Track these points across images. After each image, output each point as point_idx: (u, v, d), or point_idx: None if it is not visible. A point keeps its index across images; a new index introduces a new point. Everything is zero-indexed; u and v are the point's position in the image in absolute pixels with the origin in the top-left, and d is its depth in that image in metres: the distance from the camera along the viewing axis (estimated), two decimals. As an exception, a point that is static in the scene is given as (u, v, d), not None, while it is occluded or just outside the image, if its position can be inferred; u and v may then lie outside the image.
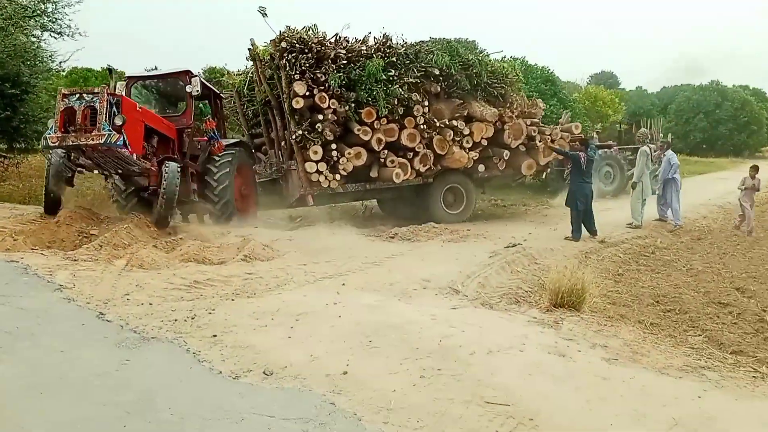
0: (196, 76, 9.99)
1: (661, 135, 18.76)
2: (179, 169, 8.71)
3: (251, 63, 11.52)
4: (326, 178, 10.54)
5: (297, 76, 10.27)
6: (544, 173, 14.56)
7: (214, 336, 4.58)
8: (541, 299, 6.34)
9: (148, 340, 4.44)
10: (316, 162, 10.43)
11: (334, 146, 10.51)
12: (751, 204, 12.13)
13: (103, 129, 7.88)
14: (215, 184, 9.73)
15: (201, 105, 11.40)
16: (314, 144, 10.30)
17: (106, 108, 7.94)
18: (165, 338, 4.50)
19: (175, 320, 4.89)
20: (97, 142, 7.81)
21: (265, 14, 10.66)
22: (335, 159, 10.52)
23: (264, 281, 6.50)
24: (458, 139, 11.64)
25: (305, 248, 8.84)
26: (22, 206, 10.29)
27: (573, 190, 10.49)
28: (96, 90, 8.13)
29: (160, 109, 10.44)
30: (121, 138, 7.95)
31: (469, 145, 11.75)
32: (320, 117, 10.39)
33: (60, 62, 15.41)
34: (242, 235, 9.31)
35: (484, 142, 11.95)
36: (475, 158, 11.87)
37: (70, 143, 7.92)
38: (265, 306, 5.40)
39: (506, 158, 12.22)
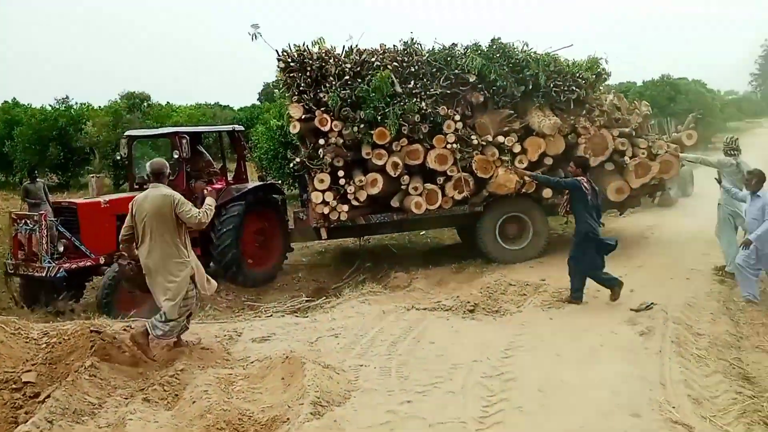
0: (185, 137, 9.18)
1: None
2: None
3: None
4: (334, 209, 8.88)
5: (295, 98, 8.94)
6: (654, 198, 11.10)
7: None
8: None
9: None
10: (322, 192, 8.84)
11: (341, 173, 8.91)
12: None
13: (44, 262, 7.83)
14: (217, 243, 9.28)
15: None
16: (319, 171, 8.84)
17: (46, 237, 7.87)
18: None
19: None
20: (41, 274, 7.80)
21: (259, 34, 9.12)
22: (344, 188, 8.89)
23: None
24: (506, 158, 9.04)
25: (360, 351, 5.98)
26: None
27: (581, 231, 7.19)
28: (35, 216, 8.03)
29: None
30: (61, 270, 7.74)
31: (524, 165, 9.05)
32: (321, 142, 8.83)
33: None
34: (259, 337, 6.45)
35: (549, 161, 9.24)
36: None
37: (22, 272, 8.11)
38: None
39: None
